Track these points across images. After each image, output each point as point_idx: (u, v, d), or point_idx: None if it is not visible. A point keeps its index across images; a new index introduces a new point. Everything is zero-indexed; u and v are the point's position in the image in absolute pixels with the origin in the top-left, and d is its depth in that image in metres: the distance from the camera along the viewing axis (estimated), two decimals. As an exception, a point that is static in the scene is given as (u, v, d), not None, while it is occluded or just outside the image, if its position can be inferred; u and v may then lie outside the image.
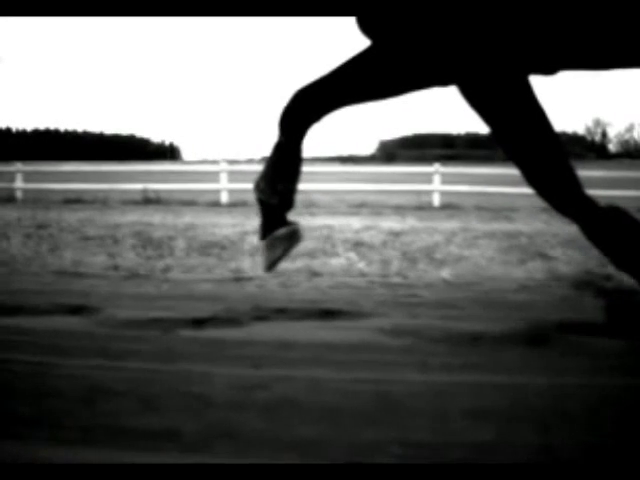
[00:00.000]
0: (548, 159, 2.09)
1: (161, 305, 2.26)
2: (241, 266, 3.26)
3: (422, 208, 9.36)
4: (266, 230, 2.12)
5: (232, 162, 14.69)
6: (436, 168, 10.15)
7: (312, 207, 9.27)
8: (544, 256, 4.35)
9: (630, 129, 67.68)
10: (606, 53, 1.93)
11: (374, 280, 2.77)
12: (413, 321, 2.09)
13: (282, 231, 2.10)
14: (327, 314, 2.15)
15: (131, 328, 1.95)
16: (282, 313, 2.14)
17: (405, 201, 9.90)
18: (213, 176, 11.51)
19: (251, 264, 3.26)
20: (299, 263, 3.13)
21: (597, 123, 68.07)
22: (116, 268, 2.99)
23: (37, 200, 10.01)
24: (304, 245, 4.83)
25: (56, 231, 5.63)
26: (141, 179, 11.44)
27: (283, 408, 1.33)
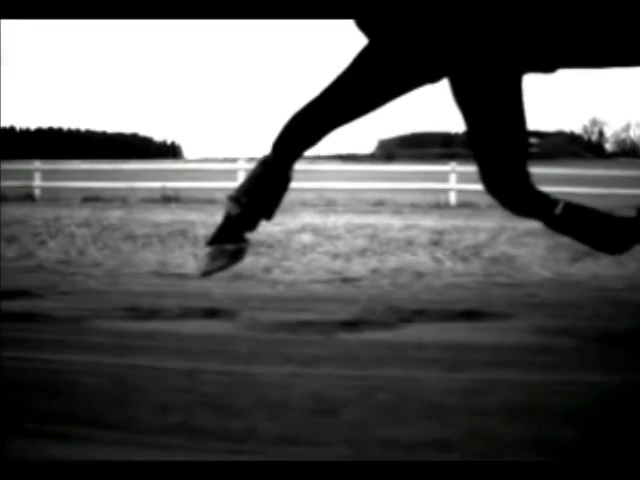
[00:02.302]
0: (515, 161, 2.05)
1: (294, 307, 2.19)
2: (315, 266, 3.19)
3: (439, 206, 9.33)
4: (217, 238, 2.04)
5: (234, 160, 14.56)
6: (452, 167, 10.13)
7: (332, 205, 9.21)
8: (591, 255, 4.32)
9: (626, 128, 67.89)
10: (606, 51, 1.91)
11: (479, 280, 2.72)
12: (556, 321, 2.05)
13: (230, 247, 2.02)
14: (468, 315, 2.09)
15: (287, 332, 1.87)
16: (423, 315, 2.08)
17: (421, 199, 9.87)
18: (219, 174, 11.39)
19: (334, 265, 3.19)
20: (393, 262, 3.06)
21: (594, 122, 68.31)
22: (214, 268, 2.90)
23: (56, 199, 9.82)
24: (354, 244, 4.80)
25: (99, 230, 5.49)
26: (151, 177, 11.30)
27: (520, 412, 1.27)
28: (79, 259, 3.25)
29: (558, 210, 2.02)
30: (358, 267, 2.89)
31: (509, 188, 2.04)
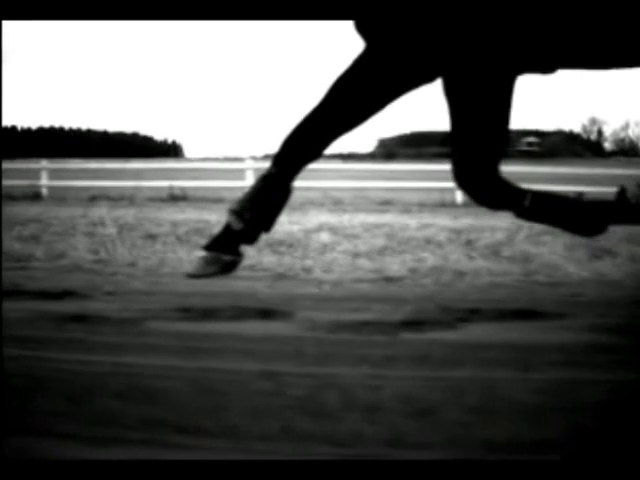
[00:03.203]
0: (491, 159, 2.06)
1: (347, 307, 2.16)
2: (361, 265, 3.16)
3: (445, 205, 9.33)
4: (215, 245, 2.07)
5: (235, 159, 14.50)
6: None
7: (339, 204, 9.20)
8: (610, 252, 4.32)
9: (625, 127, 67.85)
10: (606, 52, 1.91)
11: (518, 279, 2.71)
12: (608, 320, 2.04)
13: (226, 257, 2.05)
14: (522, 314, 2.08)
15: (351, 332, 1.85)
16: (478, 314, 2.06)
17: (426, 198, 9.87)
18: (222, 173, 11.38)
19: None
20: (431, 262, 3.05)
21: (593, 121, 68.26)
22: (252, 268, 2.88)
23: (62, 197, 9.77)
24: (373, 243, 4.78)
25: (116, 228, 5.45)
26: (155, 176, 11.27)
27: (610, 411, 1.27)
28: (112, 259, 3.22)
29: (527, 202, 2.04)
30: (395, 266, 2.88)
31: (482, 184, 2.05)
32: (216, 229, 5.84)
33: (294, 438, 1.14)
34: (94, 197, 9.81)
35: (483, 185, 2.07)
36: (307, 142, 2.04)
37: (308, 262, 3.02)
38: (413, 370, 1.50)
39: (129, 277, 2.68)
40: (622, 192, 2.05)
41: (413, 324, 1.92)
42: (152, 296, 2.30)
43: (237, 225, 2.06)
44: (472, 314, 2.05)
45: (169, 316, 2.03)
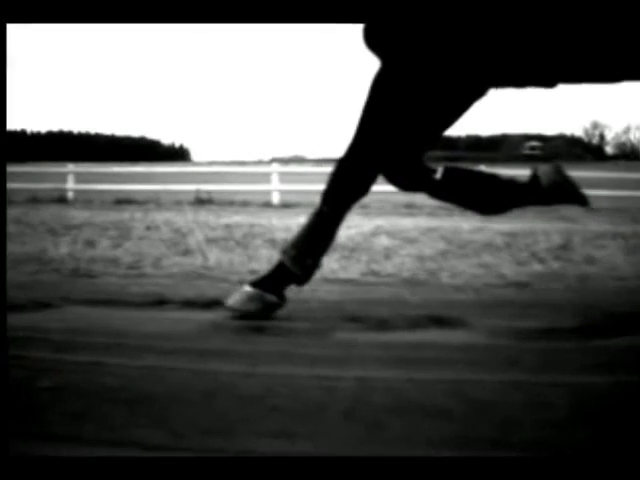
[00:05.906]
0: (423, 152, 2.08)
1: (508, 313, 2.17)
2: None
3: (469, 208, 9.37)
4: (263, 284, 2.05)
5: (241, 163, 14.45)
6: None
7: (367, 207, 9.20)
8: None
9: (627, 131, 68.50)
10: (604, 67, 1.94)
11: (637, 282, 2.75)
12: None
13: (271, 298, 2.04)
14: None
15: (540, 340, 1.87)
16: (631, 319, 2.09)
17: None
18: (230, 176, 11.35)
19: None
20: (545, 266, 3.07)
21: (595, 126, 68.86)
22: (377, 274, 2.88)
23: (88, 200, 9.67)
24: (435, 246, 4.79)
25: (172, 233, 5.42)
26: (171, 180, 11.20)
27: None
28: (215, 265, 3.19)
29: (439, 174, 2.05)
30: (507, 271, 2.90)
31: (405, 171, 2.06)
32: (276, 233, 5.80)
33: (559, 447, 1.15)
34: (120, 200, 9.72)
35: (405, 172, 2.07)
36: (353, 178, 2.02)
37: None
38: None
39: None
40: (535, 175, 2.05)
41: (593, 330, 1.95)
42: (303, 304, 2.28)
43: (298, 272, 2.04)
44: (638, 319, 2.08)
45: (345, 326, 2.01)
